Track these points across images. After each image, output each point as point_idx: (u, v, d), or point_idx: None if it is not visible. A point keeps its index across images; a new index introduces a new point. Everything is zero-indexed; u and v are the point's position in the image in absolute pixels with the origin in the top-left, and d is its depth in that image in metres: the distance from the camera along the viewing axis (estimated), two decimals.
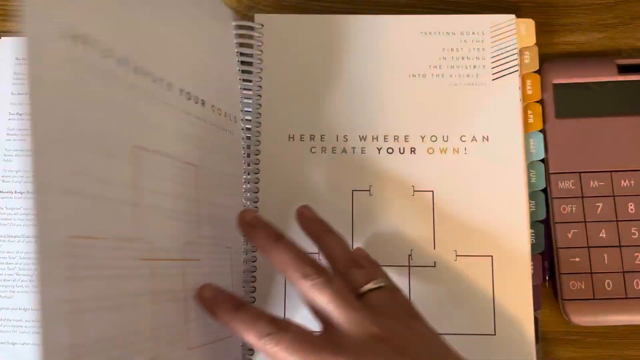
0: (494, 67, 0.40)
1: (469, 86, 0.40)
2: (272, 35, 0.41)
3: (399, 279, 0.37)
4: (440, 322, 0.37)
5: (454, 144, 0.39)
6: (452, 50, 0.41)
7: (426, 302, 0.37)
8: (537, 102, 0.41)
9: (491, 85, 0.40)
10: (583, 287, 0.38)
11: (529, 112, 0.40)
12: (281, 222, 0.38)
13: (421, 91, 0.40)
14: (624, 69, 0.41)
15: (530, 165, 0.40)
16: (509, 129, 0.39)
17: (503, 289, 0.37)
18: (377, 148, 0.39)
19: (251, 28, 0.41)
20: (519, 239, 0.38)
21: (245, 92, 0.40)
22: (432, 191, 0.39)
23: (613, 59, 0.41)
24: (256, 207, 0.39)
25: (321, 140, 0.40)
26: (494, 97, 0.40)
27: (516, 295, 0.37)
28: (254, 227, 0.33)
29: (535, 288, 0.38)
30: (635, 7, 0.43)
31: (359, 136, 0.40)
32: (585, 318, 0.38)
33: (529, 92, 0.40)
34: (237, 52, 0.41)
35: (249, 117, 0.40)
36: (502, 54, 0.40)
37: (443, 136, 0.39)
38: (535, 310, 0.37)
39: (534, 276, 0.38)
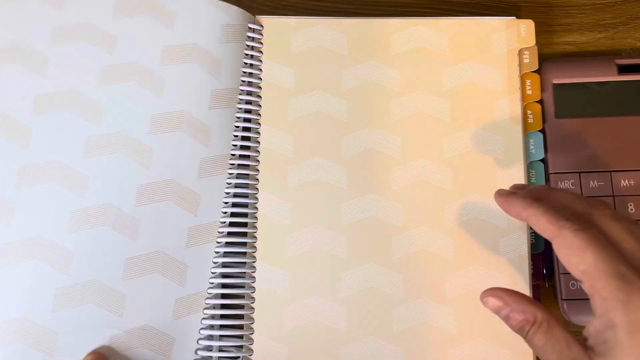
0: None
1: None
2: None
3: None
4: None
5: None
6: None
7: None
8: (537, 102, 0.41)
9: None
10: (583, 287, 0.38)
11: (529, 112, 0.40)
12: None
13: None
14: (624, 69, 0.41)
15: (530, 165, 0.40)
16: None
17: None
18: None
19: (251, 29, 0.41)
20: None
21: (243, 92, 0.40)
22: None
23: (613, 59, 0.41)
24: (256, 208, 0.39)
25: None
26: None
27: None
28: (508, 199, 0.32)
29: (535, 288, 0.38)
30: (635, 7, 0.43)
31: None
32: (585, 318, 0.38)
33: (529, 92, 0.40)
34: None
35: (249, 117, 0.40)
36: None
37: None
38: None
39: (533, 276, 0.38)
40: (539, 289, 0.38)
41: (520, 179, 0.39)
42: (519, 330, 0.30)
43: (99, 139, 0.35)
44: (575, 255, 0.28)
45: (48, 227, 0.34)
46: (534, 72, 0.41)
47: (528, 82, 0.41)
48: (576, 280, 0.38)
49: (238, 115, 0.40)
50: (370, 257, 0.38)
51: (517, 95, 0.40)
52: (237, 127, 0.40)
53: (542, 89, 0.41)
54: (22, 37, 0.36)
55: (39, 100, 0.35)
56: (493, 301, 0.31)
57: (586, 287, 0.28)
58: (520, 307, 0.30)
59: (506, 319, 0.31)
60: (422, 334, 0.37)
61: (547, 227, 0.29)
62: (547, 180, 0.40)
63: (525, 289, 0.37)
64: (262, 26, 0.41)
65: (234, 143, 0.39)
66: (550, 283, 0.40)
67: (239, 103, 0.40)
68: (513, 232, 0.38)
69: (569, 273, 0.38)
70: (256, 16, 0.42)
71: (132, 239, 0.34)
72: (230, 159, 0.39)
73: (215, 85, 0.37)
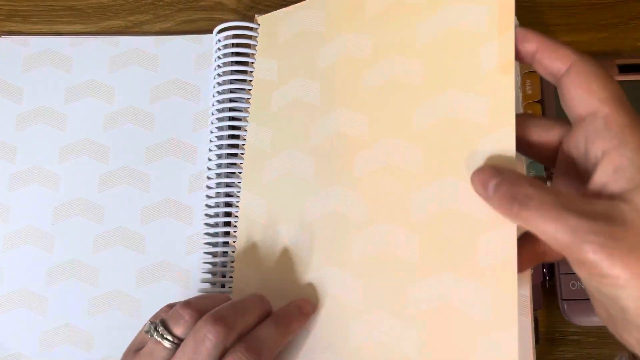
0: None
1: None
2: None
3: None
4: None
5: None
6: None
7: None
8: (537, 102, 0.41)
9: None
10: (583, 287, 0.38)
11: (529, 112, 0.40)
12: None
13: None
14: (624, 69, 0.41)
15: (530, 166, 0.39)
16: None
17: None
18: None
19: (249, 28, 0.41)
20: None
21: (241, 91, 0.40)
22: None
23: (613, 59, 0.41)
24: (238, 207, 0.39)
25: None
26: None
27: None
28: None
29: (535, 288, 0.38)
30: (635, 7, 0.43)
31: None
32: (585, 318, 0.38)
33: (529, 92, 0.40)
34: (234, 52, 0.41)
35: (246, 116, 0.40)
36: None
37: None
38: (535, 310, 0.37)
39: (533, 276, 0.38)
40: (539, 289, 0.38)
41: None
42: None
43: (110, 174, 0.42)
44: (595, 82, 0.27)
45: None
46: (534, 72, 0.40)
47: (528, 82, 0.41)
48: (576, 280, 0.38)
49: (219, 117, 0.41)
50: (328, 259, 0.33)
51: (511, 34, 0.28)
52: (221, 128, 0.41)
53: (542, 89, 0.41)
54: (40, 99, 0.43)
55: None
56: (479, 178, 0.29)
57: (601, 115, 0.26)
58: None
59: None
60: (381, 353, 0.30)
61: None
62: (548, 180, 0.40)
63: (524, 289, 0.36)
64: (258, 24, 0.41)
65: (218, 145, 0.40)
66: (550, 283, 0.40)
67: (219, 104, 0.41)
68: (497, 228, 0.29)
69: (569, 273, 0.38)
70: (255, 15, 0.42)
71: (141, 252, 0.40)
72: (210, 162, 0.40)
73: (196, 109, 0.42)
